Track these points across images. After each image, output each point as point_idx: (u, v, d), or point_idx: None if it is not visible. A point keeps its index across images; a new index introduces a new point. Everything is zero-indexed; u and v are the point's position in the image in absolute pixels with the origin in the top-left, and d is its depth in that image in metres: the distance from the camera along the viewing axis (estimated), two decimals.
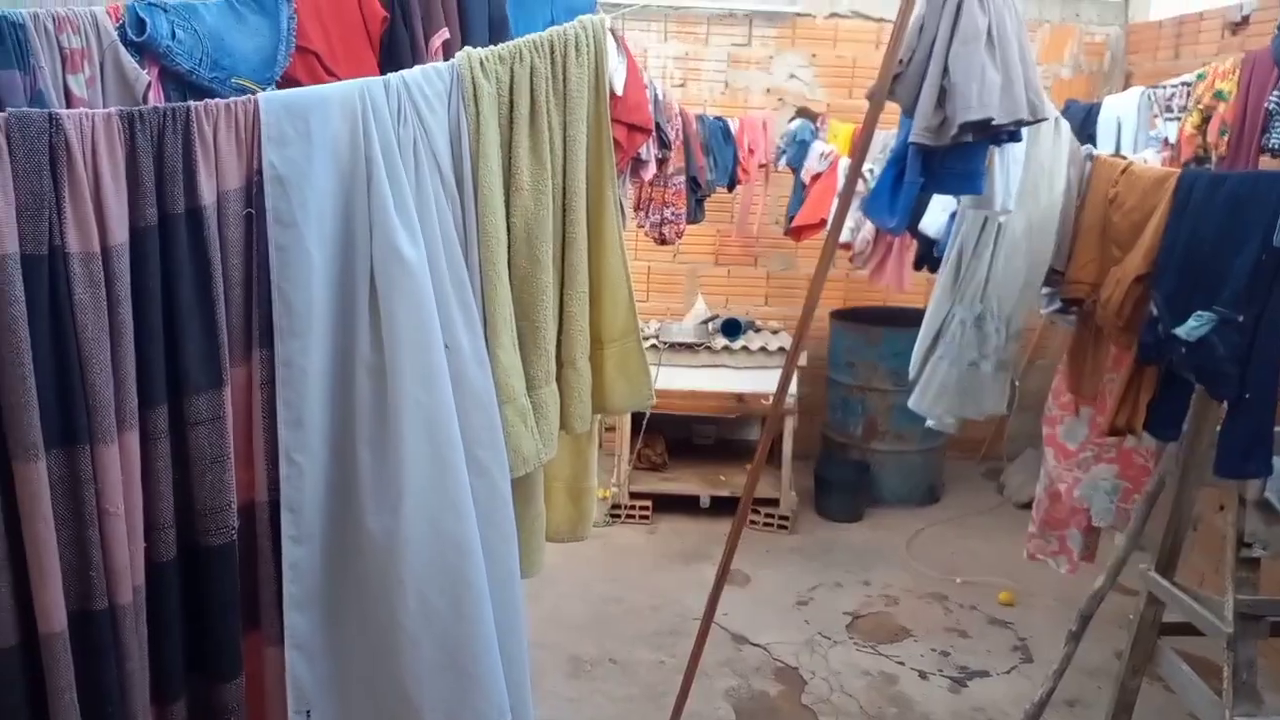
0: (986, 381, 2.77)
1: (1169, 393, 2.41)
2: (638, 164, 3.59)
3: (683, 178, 4.07)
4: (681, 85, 5.41)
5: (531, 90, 1.63)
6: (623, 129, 1.96)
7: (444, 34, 2.18)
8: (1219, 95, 3.03)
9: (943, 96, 2.08)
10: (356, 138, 1.43)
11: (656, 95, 3.57)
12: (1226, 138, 2.98)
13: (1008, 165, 2.41)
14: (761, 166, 4.72)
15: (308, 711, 1.52)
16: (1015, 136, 2.24)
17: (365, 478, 1.46)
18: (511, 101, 1.62)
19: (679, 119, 3.93)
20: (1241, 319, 2.09)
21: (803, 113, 4.81)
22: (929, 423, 2.89)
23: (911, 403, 2.87)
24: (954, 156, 2.18)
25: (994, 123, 2.08)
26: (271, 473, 1.46)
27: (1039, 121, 2.23)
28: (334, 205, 1.43)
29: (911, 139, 2.14)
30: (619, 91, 1.97)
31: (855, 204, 4.01)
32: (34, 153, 1.20)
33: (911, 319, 5.29)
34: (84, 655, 1.28)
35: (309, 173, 1.40)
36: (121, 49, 1.82)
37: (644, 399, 1.93)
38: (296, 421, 1.45)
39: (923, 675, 3.63)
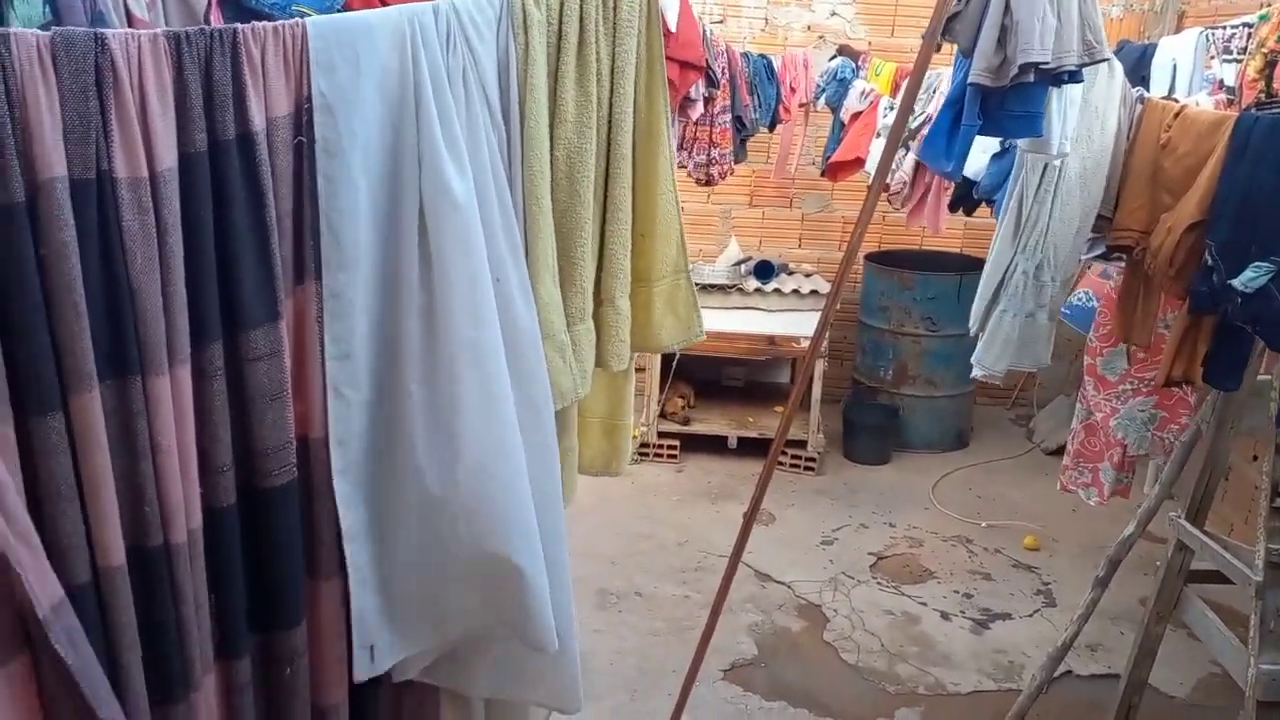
0: (1042, 333, 2.72)
1: (1229, 341, 2.36)
2: (686, 103, 3.53)
3: (729, 116, 4.01)
4: (721, 22, 5.30)
5: (581, 18, 1.59)
6: (675, 66, 1.92)
7: None
8: None
9: (1003, 35, 2.02)
10: (405, 66, 1.40)
11: (705, 32, 3.51)
12: None
13: (1065, 107, 2.34)
14: (802, 106, 4.65)
15: (371, 647, 1.53)
16: (1076, 77, 2.18)
17: (415, 413, 1.47)
18: (561, 30, 1.59)
19: (724, 56, 3.87)
20: None
21: (844, 51, 4.71)
22: (976, 373, 2.84)
23: (975, 358, 2.79)
24: (1013, 98, 2.12)
25: (1045, 66, 2.03)
26: (326, 407, 1.45)
27: (1099, 62, 2.17)
28: (381, 135, 1.42)
29: (971, 79, 2.08)
30: (672, 28, 1.93)
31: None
32: (80, 73, 1.16)
33: (947, 264, 5.27)
34: (142, 593, 1.26)
35: (356, 101, 1.37)
36: None
37: (694, 334, 1.93)
38: (344, 355, 1.44)
39: (945, 616, 3.67)
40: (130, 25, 1.72)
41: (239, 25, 1.29)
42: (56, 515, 1.17)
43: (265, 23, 1.32)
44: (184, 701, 1.31)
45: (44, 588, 1.10)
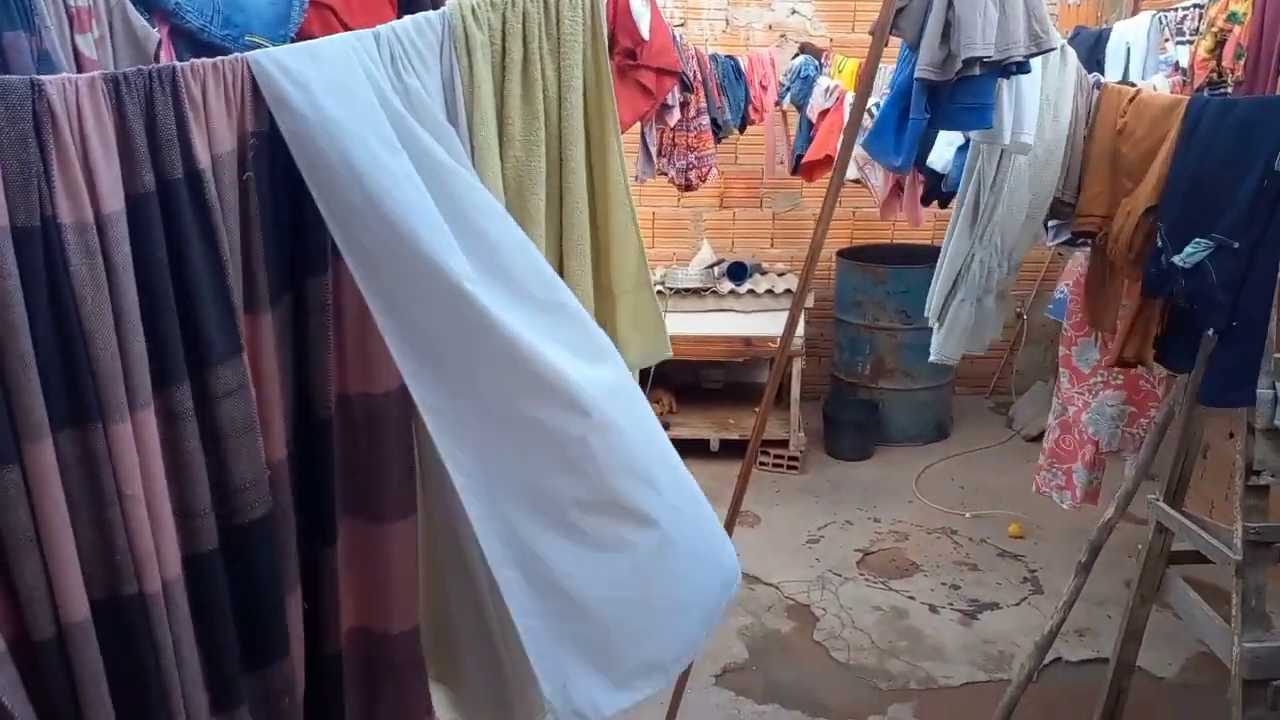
0: (989, 315, 2.75)
1: (1183, 323, 2.39)
2: (663, 109, 3.52)
3: (706, 119, 4.01)
4: (682, 25, 5.31)
5: (524, 36, 1.59)
6: (651, 74, 1.90)
7: None
8: (1233, 17, 2.96)
9: (947, 30, 2.03)
10: (363, 86, 1.38)
11: (675, 37, 3.50)
12: (1243, 61, 2.91)
13: (1018, 96, 2.36)
14: (776, 104, 4.66)
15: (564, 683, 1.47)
16: (1024, 68, 2.19)
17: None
18: (504, 49, 1.58)
19: (695, 59, 3.87)
20: (1237, 245, 2.08)
21: (806, 49, 4.72)
22: (933, 358, 2.86)
23: (934, 348, 2.81)
24: (961, 90, 2.14)
25: (987, 60, 2.04)
26: (287, 429, 1.43)
27: (1046, 52, 2.19)
28: (356, 152, 1.36)
29: (916, 75, 2.10)
30: (645, 35, 1.92)
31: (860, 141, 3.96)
32: (17, 121, 1.16)
33: (918, 256, 5.28)
34: (116, 644, 1.24)
35: (322, 121, 1.34)
36: (130, 7, 1.76)
37: (660, 350, 1.88)
38: (415, 371, 1.38)
39: (933, 609, 3.68)
40: (79, 65, 1.69)
41: (177, 64, 1.28)
42: (19, 568, 1.16)
43: (205, 60, 1.30)
44: None
45: None
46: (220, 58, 1.31)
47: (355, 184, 1.32)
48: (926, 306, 2.85)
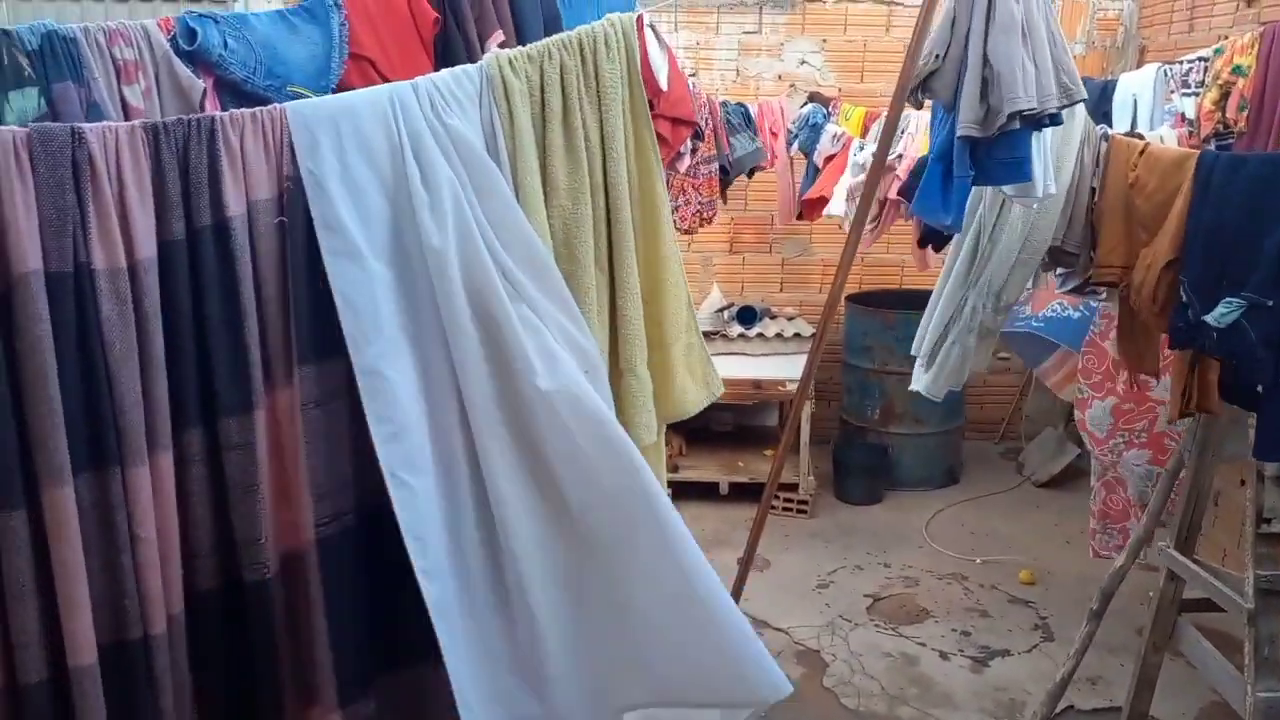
0: (969, 353, 2.78)
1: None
2: (675, 157, 3.58)
3: (714, 165, 4.08)
4: (693, 75, 5.40)
5: (563, 87, 1.60)
6: (667, 124, 1.93)
7: (499, 36, 2.16)
8: (1237, 70, 3.01)
9: (984, 87, 2.07)
10: (392, 139, 1.41)
11: (690, 85, 3.57)
12: (1246, 113, 2.96)
13: (1044, 150, 2.39)
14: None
15: None
16: (1056, 120, 2.24)
17: (503, 480, 1.41)
18: (544, 100, 1.59)
19: (707, 107, 3.94)
20: (1271, 304, 2.08)
21: (815, 97, 4.80)
22: (915, 386, 2.90)
23: (922, 386, 2.84)
24: (1000, 146, 2.17)
25: (1031, 111, 2.07)
26: (318, 510, 1.40)
27: (1077, 102, 2.23)
28: (379, 208, 1.41)
29: (960, 133, 2.13)
30: (664, 86, 1.96)
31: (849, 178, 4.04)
32: (57, 168, 1.18)
33: (926, 301, 5.28)
34: (119, 689, 1.24)
35: (346, 177, 1.38)
36: (175, 59, 1.81)
37: (714, 391, 1.86)
38: (393, 436, 1.35)
39: (944, 655, 3.65)
40: (126, 115, 1.74)
41: (218, 114, 1.31)
42: (12, 614, 1.16)
43: (244, 109, 1.34)
44: None
45: None
46: (260, 107, 1.34)
47: (385, 217, 1.36)
48: (915, 345, 2.87)
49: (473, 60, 2.05)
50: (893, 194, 3.96)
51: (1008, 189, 2.54)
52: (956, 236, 2.88)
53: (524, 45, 1.96)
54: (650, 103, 1.83)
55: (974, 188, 2.67)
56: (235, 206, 1.31)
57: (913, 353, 2.89)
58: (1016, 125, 2.10)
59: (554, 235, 1.62)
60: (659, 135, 1.87)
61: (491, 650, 1.46)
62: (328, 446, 1.40)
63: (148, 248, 1.25)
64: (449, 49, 2.13)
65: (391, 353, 1.38)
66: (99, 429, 1.20)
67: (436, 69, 2.06)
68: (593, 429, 1.42)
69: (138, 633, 1.23)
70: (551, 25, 2.26)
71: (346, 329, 1.36)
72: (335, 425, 1.41)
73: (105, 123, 1.28)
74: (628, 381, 1.72)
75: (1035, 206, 2.55)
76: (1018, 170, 2.23)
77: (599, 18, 2.24)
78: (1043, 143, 2.36)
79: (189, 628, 1.32)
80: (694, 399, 1.81)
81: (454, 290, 1.41)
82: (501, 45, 2.13)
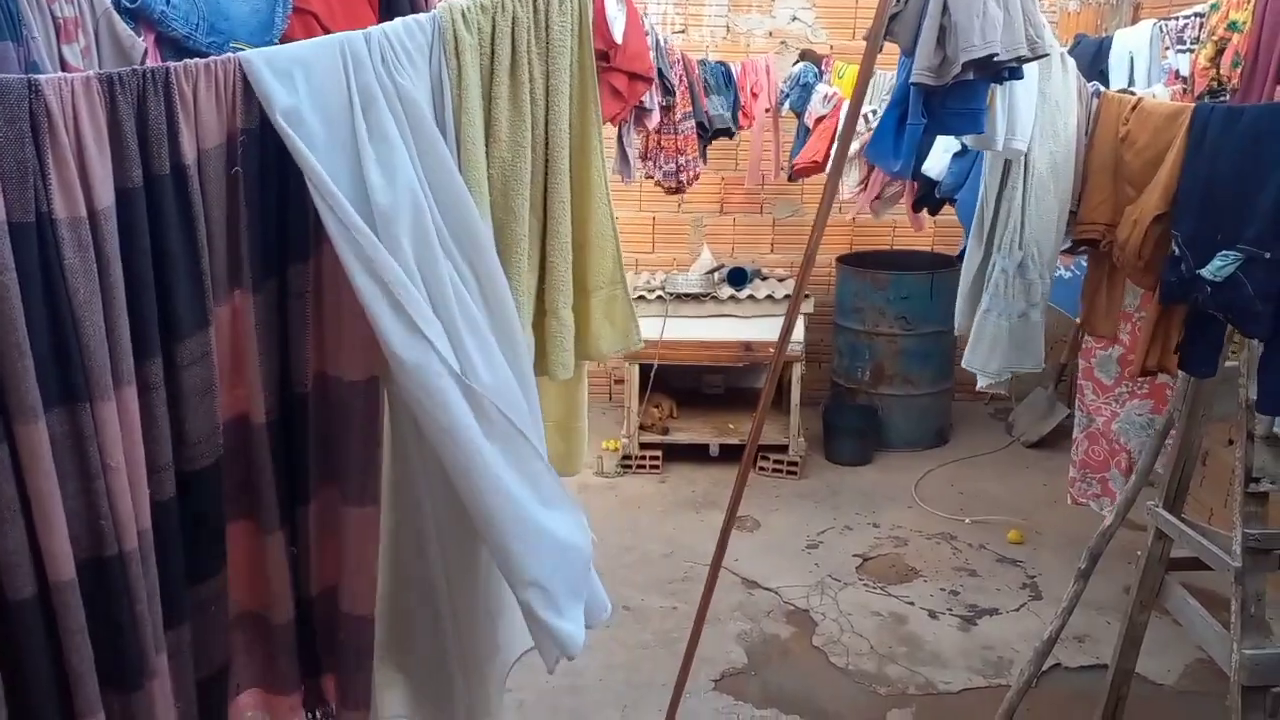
0: (1036, 331, 2.69)
1: (1202, 329, 2.37)
2: (641, 112, 3.54)
3: (692, 123, 4.02)
4: (683, 31, 5.32)
5: (513, 40, 1.61)
6: (623, 78, 1.93)
7: None
8: (1233, 26, 2.97)
9: (942, 35, 2.04)
10: (340, 87, 1.43)
11: (658, 41, 3.51)
12: (1240, 69, 2.93)
13: (1012, 103, 2.36)
14: (767, 111, 4.66)
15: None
16: (1016, 74, 2.20)
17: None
18: (493, 51, 1.61)
19: (681, 64, 3.88)
20: (1269, 255, 2.06)
21: (806, 55, 4.73)
22: (982, 384, 2.76)
23: (965, 361, 2.75)
24: (954, 96, 2.14)
25: (996, 59, 2.04)
26: (269, 397, 1.52)
27: (1039, 58, 2.19)
28: (332, 153, 1.44)
29: (912, 80, 2.10)
30: (618, 40, 1.94)
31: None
32: (15, 120, 1.21)
33: (917, 262, 5.29)
34: (99, 600, 1.34)
35: (302, 121, 1.40)
36: (116, 17, 1.80)
37: (631, 342, 1.95)
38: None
39: (932, 614, 3.68)
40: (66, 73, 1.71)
41: (171, 64, 1.33)
42: (3, 536, 1.26)
43: (197, 59, 1.36)
44: (140, 689, 1.40)
45: None
46: (213, 58, 1.36)
47: (341, 172, 1.40)
48: (957, 318, 2.77)
49: (415, 12, 2.03)
50: None
51: (966, 139, 2.50)
52: (977, 202, 2.81)
53: None
54: (605, 55, 1.82)
55: (982, 151, 2.63)
56: (190, 154, 1.36)
57: (957, 331, 2.77)
58: (970, 76, 2.06)
59: (492, 186, 1.65)
60: (614, 89, 1.89)
61: None
62: (272, 354, 1.55)
63: (107, 196, 1.28)
64: (392, 2, 2.12)
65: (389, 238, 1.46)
66: (67, 368, 1.28)
67: (381, 21, 2.04)
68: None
69: (114, 549, 1.34)
70: None
71: (331, 225, 1.42)
72: (275, 335, 1.55)
73: (60, 74, 1.29)
74: (549, 322, 1.80)
75: (1048, 167, 2.50)
76: (971, 121, 2.20)
77: None
78: (1009, 96, 2.33)
79: (155, 533, 1.42)
80: (607, 344, 1.91)
81: (402, 255, 1.46)
82: None
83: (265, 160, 1.44)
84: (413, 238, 1.46)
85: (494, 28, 1.60)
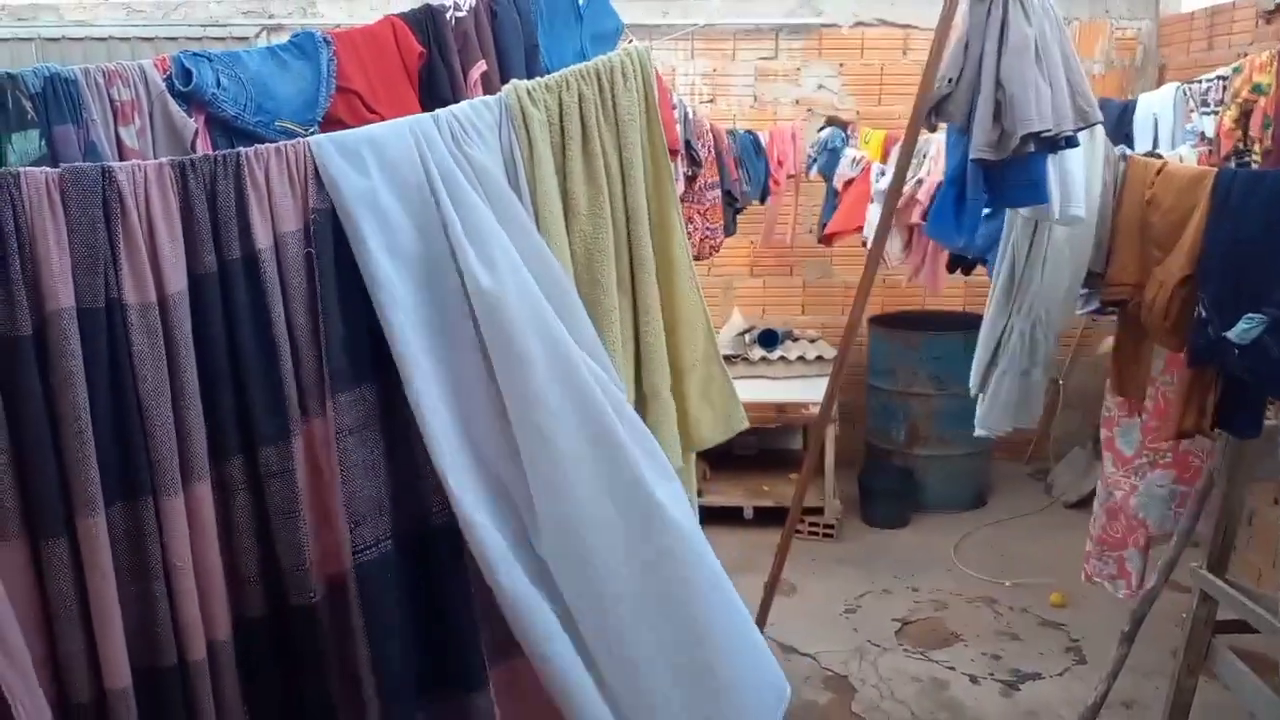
0: (1035, 389, 2.74)
1: (1242, 389, 2.35)
2: None
3: (718, 192, 4.10)
4: (710, 101, 5.44)
5: (581, 116, 1.63)
6: None
7: (481, 66, 2.23)
8: (1257, 89, 3.00)
9: (998, 110, 2.07)
10: (417, 170, 1.44)
11: (686, 113, 3.61)
12: (1271, 130, 2.95)
13: (1065, 170, 2.38)
14: (791, 177, 4.75)
15: None
16: (1072, 142, 2.23)
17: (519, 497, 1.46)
18: (563, 128, 1.62)
19: (709, 135, 3.97)
20: None
21: (832, 121, 4.83)
22: (979, 432, 2.84)
23: (978, 420, 2.79)
24: (1015, 169, 2.17)
25: (1047, 134, 2.08)
26: (355, 537, 1.41)
27: (1094, 125, 2.23)
28: (410, 240, 1.44)
29: (973, 156, 2.13)
30: None
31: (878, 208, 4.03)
32: (88, 207, 1.22)
33: (949, 322, 5.30)
34: (155, 713, 1.27)
35: (376, 207, 1.41)
36: (170, 99, 1.88)
37: (736, 423, 1.85)
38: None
39: (974, 680, 3.61)
40: (121, 155, 1.79)
41: (242, 149, 1.35)
42: (60, 636, 1.21)
43: (268, 144, 1.37)
44: None
45: (31, 715, 1.12)
46: (284, 141, 1.38)
47: (412, 252, 1.38)
48: (971, 380, 2.83)
49: (456, 90, 2.10)
50: (917, 218, 3.97)
51: (1024, 211, 2.54)
52: (994, 263, 2.86)
53: (506, 74, 1.97)
54: None
55: (1007, 213, 2.67)
56: (263, 239, 1.34)
57: (970, 387, 2.84)
58: (1031, 148, 2.10)
59: (575, 259, 1.64)
60: None
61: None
62: (362, 473, 1.42)
63: (178, 281, 1.28)
64: (434, 80, 2.19)
65: (420, 377, 1.41)
66: (131, 460, 1.23)
67: (421, 100, 2.12)
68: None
69: (172, 659, 1.26)
70: (531, 55, 2.32)
71: (396, 357, 1.39)
72: (370, 452, 1.43)
73: (134, 161, 1.32)
74: (652, 406, 1.73)
75: (1066, 233, 2.54)
76: (1034, 192, 2.23)
77: (577, 49, 2.28)
78: (1061, 165, 2.36)
79: (238, 653, 1.34)
80: (708, 429, 1.82)
81: (512, 329, 1.43)
82: (484, 75, 2.19)
83: (341, 240, 1.40)
84: (524, 314, 1.43)
85: (561, 105, 1.62)
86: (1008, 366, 2.69)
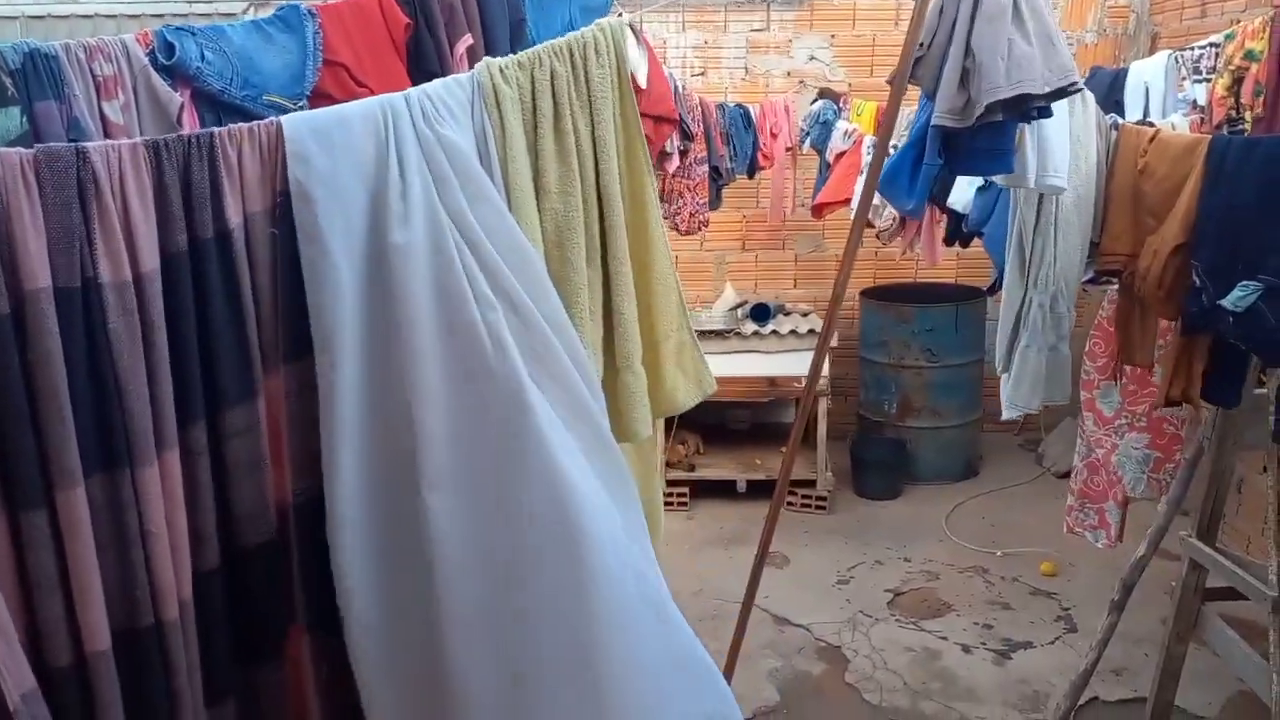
0: (1065, 363, 2.71)
1: (1225, 359, 2.37)
2: (662, 156, 3.59)
3: (705, 167, 4.08)
4: (701, 74, 5.41)
5: (554, 93, 1.63)
6: (649, 122, 1.96)
7: (468, 39, 2.21)
8: (1250, 55, 2.99)
9: (965, 77, 2.06)
10: (381, 151, 1.45)
11: (676, 86, 3.58)
12: (1263, 97, 2.94)
13: (1042, 139, 2.36)
14: (788, 150, 4.72)
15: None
16: (1045, 112, 2.21)
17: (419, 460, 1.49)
18: (534, 105, 1.63)
19: (699, 109, 3.95)
20: None
21: (825, 93, 4.80)
22: (1009, 414, 2.78)
23: (1007, 399, 2.75)
24: (983, 136, 2.14)
25: (1032, 94, 2.04)
26: (296, 480, 1.49)
27: (1073, 93, 2.20)
28: (361, 215, 1.45)
29: (934, 121, 2.12)
30: (643, 85, 1.99)
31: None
32: (63, 187, 1.23)
33: (941, 295, 5.30)
34: (133, 672, 1.31)
35: (335, 188, 1.42)
36: (153, 73, 1.86)
37: (706, 388, 1.90)
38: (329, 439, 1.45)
39: (966, 649, 3.64)
40: (106, 130, 1.77)
41: (215, 129, 1.35)
42: (40, 604, 1.25)
43: (241, 124, 1.38)
44: None
45: (15, 677, 1.15)
46: (256, 122, 1.38)
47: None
48: (997, 358, 2.79)
49: (443, 63, 2.09)
50: None
51: (997, 178, 2.52)
52: (992, 235, 2.82)
53: (491, 48, 1.95)
54: None
55: (1013, 188, 2.64)
56: (234, 218, 1.37)
57: (998, 371, 2.81)
58: (998, 116, 2.08)
59: (545, 236, 1.65)
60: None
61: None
62: (302, 431, 1.49)
63: (152, 261, 1.30)
64: (420, 52, 2.18)
65: (344, 361, 1.45)
66: (109, 434, 1.27)
67: (409, 72, 2.10)
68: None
69: (149, 620, 1.31)
70: (517, 29, 2.30)
71: (314, 333, 1.43)
72: (307, 413, 1.50)
73: (108, 141, 1.33)
74: (624, 378, 1.76)
75: (1073, 201, 2.51)
76: (999, 161, 2.21)
77: (566, 21, 2.26)
78: (1039, 132, 2.34)
79: (196, 605, 1.39)
80: (684, 395, 1.86)
81: (417, 288, 1.45)
82: (470, 48, 2.18)
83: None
84: (433, 275, 1.45)
85: (533, 82, 1.62)
86: (1030, 340, 2.66)
